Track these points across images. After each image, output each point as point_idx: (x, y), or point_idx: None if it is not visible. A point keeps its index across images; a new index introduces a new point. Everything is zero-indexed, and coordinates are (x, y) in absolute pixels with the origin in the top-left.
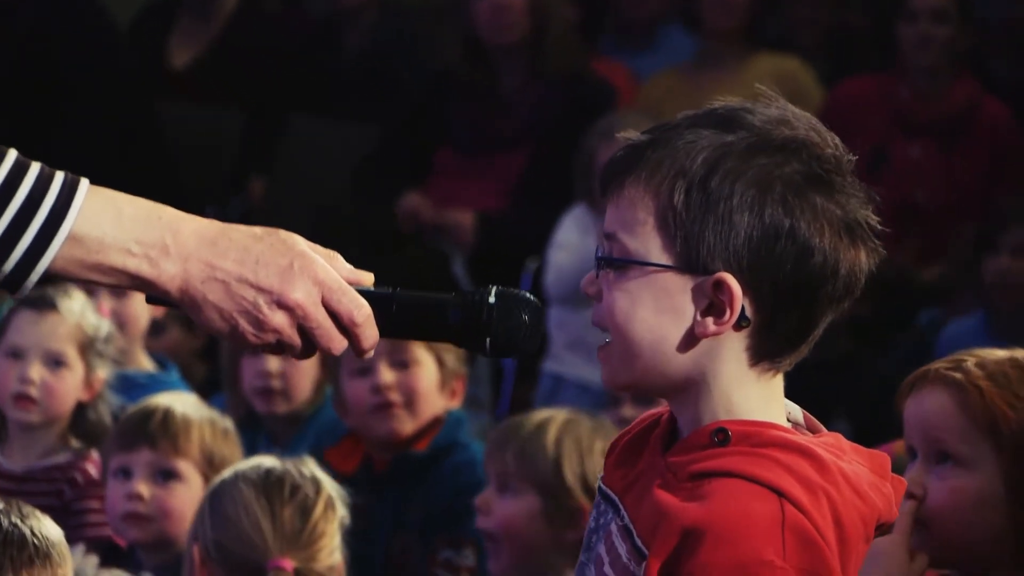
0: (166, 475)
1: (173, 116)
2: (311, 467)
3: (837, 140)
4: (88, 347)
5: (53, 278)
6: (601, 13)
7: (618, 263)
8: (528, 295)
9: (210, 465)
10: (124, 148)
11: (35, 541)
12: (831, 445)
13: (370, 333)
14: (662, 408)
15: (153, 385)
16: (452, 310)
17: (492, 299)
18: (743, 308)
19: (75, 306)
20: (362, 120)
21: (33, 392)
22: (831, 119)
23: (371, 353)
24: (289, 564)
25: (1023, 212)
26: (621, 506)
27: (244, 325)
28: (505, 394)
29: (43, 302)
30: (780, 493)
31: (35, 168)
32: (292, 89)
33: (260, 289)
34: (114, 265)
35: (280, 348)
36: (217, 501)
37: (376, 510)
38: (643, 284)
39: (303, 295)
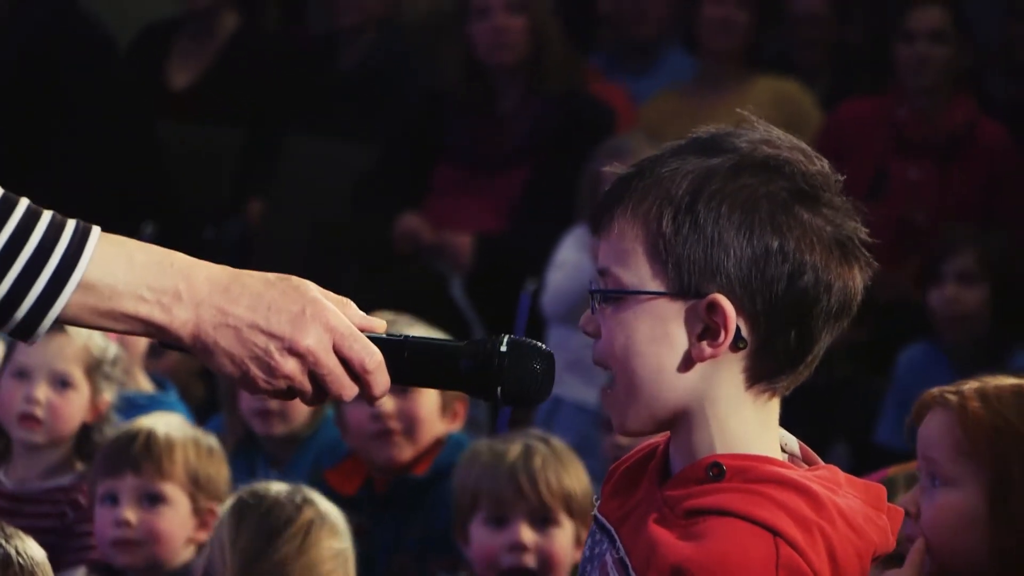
0: (152, 499)
1: (173, 136)
2: (305, 494)
3: (824, 160)
4: (95, 369)
5: (66, 324)
6: (591, 33)
7: (611, 295)
8: (539, 344)
9: (196, 485)
10: (120, 166)
11: (20, 560)
12: (826, 479)
13: (381, 380)
14: (660, 437)
15: (152, 406)
16: (463, 359)
17: (504, 348)
18: (738, 329)
19: (83, 328)
20: (360, 139)
21: (39, 412)
22: (830, 141)
23: (383, 401)
24: None
25: (967, 240)
26: (617, 537)
27: (255, 371)
28: (503, 415)
29: None
30: (775, 532)
31: (47, 216)
32: (290, 108)
33: (272, 335)
34: (126, 312)
35: (292, 394)
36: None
37: (376, 531)
38: (638, 314)
39: (314, 342)
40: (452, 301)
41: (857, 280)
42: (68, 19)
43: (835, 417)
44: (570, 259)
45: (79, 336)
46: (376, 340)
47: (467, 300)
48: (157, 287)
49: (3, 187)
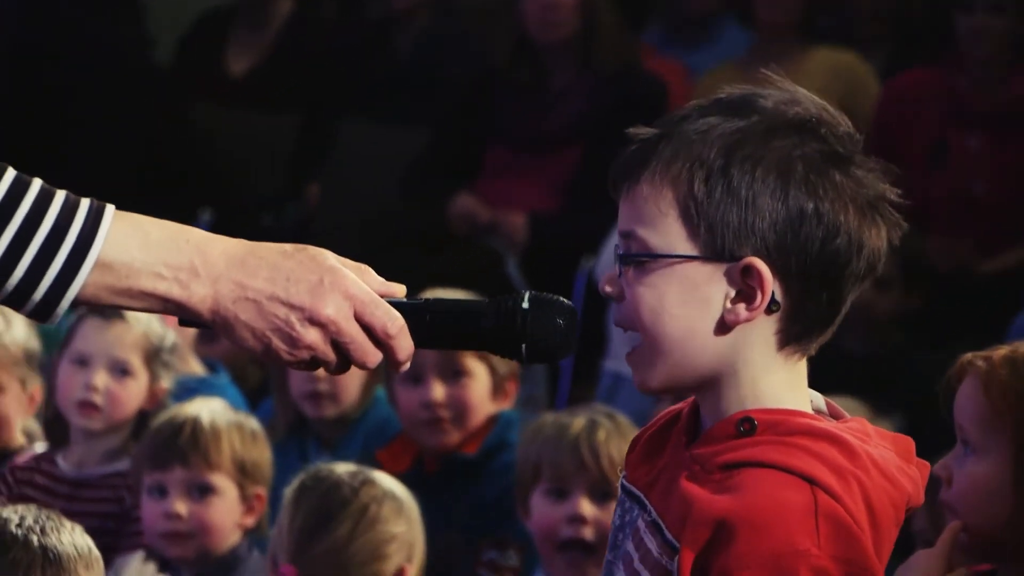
0: (202, 490)
1: (230, 123)
2: (366, 476)
3: (848, 120)
4: (153, 356)
5: (84, 304)
6: (646, 8)
7: (642, 258)
8: (562, 299)
9: (242, 472)
10: (176, 154)
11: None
12: (856, 430)
13: (405, 344)
14: (683, 403)
15: (203, 389)
16: (486, 318)
17: (525, 304)
18: (773, 292)
19: (141, 315)
20: (415, 122)
21: (97, 399)
22: (888, 111)
23: (407, 365)
24: (291, 571)
25: None
26: (647, 502)
27: (277, 343)
28: (562, 393)
29: (110, 310)
30: (812, 481)
31: (60, 196)
32: (346, 93)
33: (292, 306)
34: (144, 289)
35: (315, 364)
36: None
37: (425, 510)
38: (668, 277)
39: (335, 310)
40: (508, 280)
41: (884, 240)
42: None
43: (889, 388)
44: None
45: (138, 323)
46: (397, 305)
47: (523, 279)
48: (174, 263)
49: (61, 177)
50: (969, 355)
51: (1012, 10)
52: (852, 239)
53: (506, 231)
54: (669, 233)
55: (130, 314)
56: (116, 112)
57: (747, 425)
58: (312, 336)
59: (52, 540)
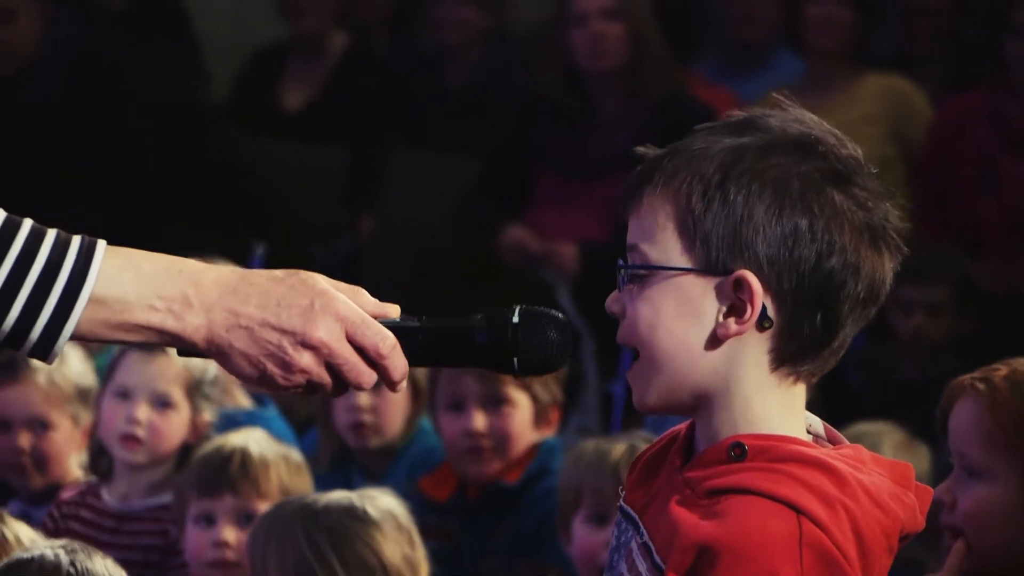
0: (250, 519)
1: (286, 157)
2: (379, 502)
3: (856, 146)
4: (195, 389)
5: (81, 341)
6: (697, 35)
7: (639, 271)
8: (554, 312)
9: None
10: (231, 188)
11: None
12: (850, 457)
13: (398, 363)
14: (682, 425)
15: (251, 422)
16: (478, 334)
17: (516, 319)
18: (764, 308)
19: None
20: (467, 152)
21: (140, 432)
22: (940, 136)
23: (403, 385)
24: None
25: None
26: (640, 523)
27: (272, 368)
28: (615, 422)
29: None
30: (797, 509)
31: (51, 235)
32: (398, 124)
33: (284, 331)
34: (138, 322)
35: (312, 388)
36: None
37: (466, 537)
38: (664, 290)
39: (326, 333)
40: (560, 310)
41: (887, 266)
42: (176, 46)
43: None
44: None
45: (178, 357)
46: (390, 325)
47: (575, 309)
48: (167, 295)
49: (116, 214)
50: (964, 378)
51: None
52: (848, 260)
53: (557, 262)
54: (667, 246)
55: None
56: (173, 148)
57: (738, 450)
58: (306, 360)
59: (84, 568)
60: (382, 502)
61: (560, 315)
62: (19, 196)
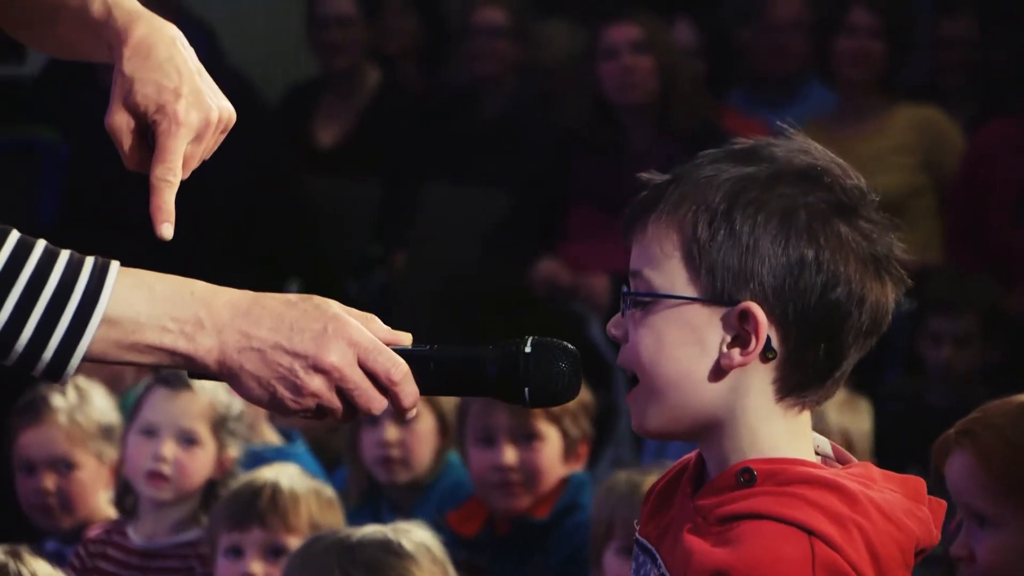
0: (277, 552)
1: (320, 193)
2: (414, 536)
3: (861, 177)
4: (220, 425)
5: (93, 362)
6: (730, 68)
7: (644, 298)
8: (566, 344)
9: None
10: (265, 224)
11: None
12: (860, 475)
13: (409, 391)
14: (692, 454)
15: (279, 458)
16: (490, 364)
17: (528, 349)
18: (769, 339)
19: (208, 384)
20: (498, 185)
21: (166, 470)
22: (973, 165)
23: (414, 412)
24: None
25: None
26: (657, 555)
27: (282, 391)
28: (648, 454)
29: (177, 380)
30: (809, 531)
31: (64, 255)
32: (433, 159)
33: (296, 354)
34: (151, 343)
35: (321, 413)
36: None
37: (496, 572)
38: (669, 318)
39: (338, 357)
40: (592, 343)
41: (890, 297)
42: (217, 75)
43: None
44: None
45: (204, 393)
46: (401, 352)
47: (606, 341)
48: (179, 316)
49: (147, 245)
50: (949, 433)
51: None
52: (853, 291)
53: (588, 294)
54: (672, 275)
55: (196, 383)
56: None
57: (747, 476)
58: (316, 384)
59: None
60: (416, 535)
61: (572, 347)
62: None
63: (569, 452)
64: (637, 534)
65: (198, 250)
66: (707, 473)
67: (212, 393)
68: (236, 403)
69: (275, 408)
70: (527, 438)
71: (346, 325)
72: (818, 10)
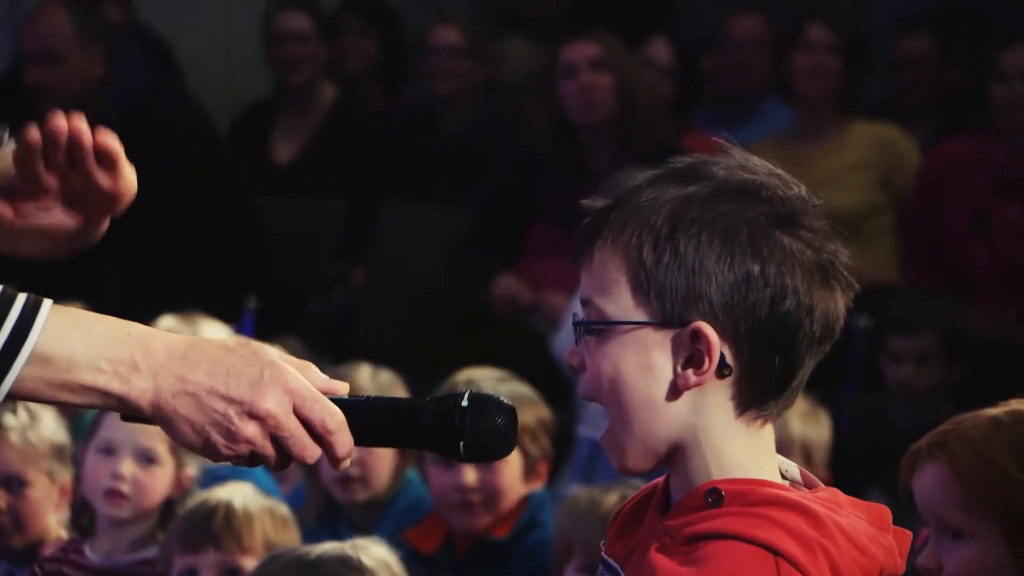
0: (232, 573)
1: (277, 210)
2: (373, 552)
3: (801, 185)
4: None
5: (23, 400)
6: (698, 89)
7: (595, 326)
8: (502, 399)
9: None
10: (223, 243)
11: None
12: (827, 500)
13: (344, 440)
14: (661, 478)
15: (237, 477)
16: (426, 416)
17: (465, 403)
18: (723, 356)
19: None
20: (458, 204)
21: (124, 488)
22: (931, 181)
23: (347, 462)
24: None
25: None
26: (622, 573)
27: (216, 437)
28: (600, 471)
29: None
30: (775, 551)
31: None
32: (390, 176)
33: (231, 400)
34: (84, 383)
35: (255, 460)
36: None
37: None
38: (623, 344)
39: (274, 404)
40: (551, 360)
41: (839, 303)
42: (169, 95)
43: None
44: (575, 302)
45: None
46: (338, 402)
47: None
48: (114, 357)
49: (106, 264)
50: (920, 444)
51: None
52: (802, 301)
53: (548, 311)
54: (622, 301)
55: None
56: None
57: (714, 496)
58: (251, 430)
59: None
60: (375, 552)
61: (508, 403)
62: None
63: (529, 471)
64: (603, 553)
65: (158, 269)
66: (673, 496)
67: None
68: None
69: (208, 454)
70: (487, 463)
71: (283, 372)
72: (777, 28)
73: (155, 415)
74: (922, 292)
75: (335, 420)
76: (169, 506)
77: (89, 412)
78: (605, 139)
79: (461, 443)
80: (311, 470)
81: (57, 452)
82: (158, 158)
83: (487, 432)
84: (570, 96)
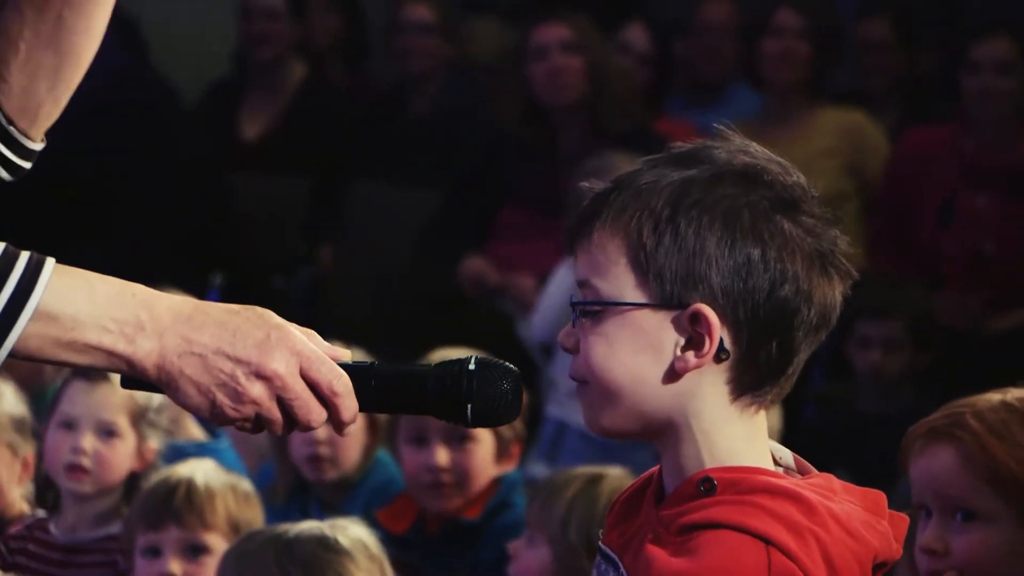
0: (195, 550)
1: (245, 187)
2: (350, 532)
3: (800, 174)
4: (140, 417)
5: (29, 359)
6: (672, 74)
7: (593, 307)
8: (507, 364)
9: (236, 533)
10: (190, 218)
11: None
12: (820, 486)
13: (350, 404)
14: (657, 467)
15: (202, 454)
16: (432, 381)
17: (472, 367)
18: (721, 340)
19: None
20: (427, 185)
21: (86, 463)
22: (899, 170)
23: (351, 427)
24: None
25: None
26: (620, 564)
27: (222, 398)
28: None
29: (96, 372)
30: (767, 540)
31: None
32: (358, 156)
33: (238, 360)
34: (89, 342)
35: (259, 424)
36: (241, 565)
37: (426, 570)
38: (619, 325)
39: (281, 365)
40: (519, 342)
41: (836, 292)
42: (136, 72)
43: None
44: (555, 283)
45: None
46: (343, 367)
47: (534, 340)
48: (120, 317)
49: (72, 240)
50: (933, 422)
51: (1019, 71)
52: (801, 287)
53: (516, 293)
54: (620, 282)
55: (115, 376)
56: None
57: (707, 485)
58: (257, 391)
59: None
60: (353, 532)
61: (514, 368)
62: None
63: (502, 452)
64: (600, 542)
65: (124, 245)
66: (665, 483)
67: None
68: (156, 395)
69: (214, 417)
70: (460, 439)
71: (289, 335)
72: (746, 14)
73: (160, 377)
74: (890, 279)
75: (342, 383)
76: (133, 480)
77: (51, 386)
78: (575, 122)
79: (468, 407)
80: (281, 449)
81: (18, 425)
82: (126, 136)
83: (494, 397)
84: (541, 78)
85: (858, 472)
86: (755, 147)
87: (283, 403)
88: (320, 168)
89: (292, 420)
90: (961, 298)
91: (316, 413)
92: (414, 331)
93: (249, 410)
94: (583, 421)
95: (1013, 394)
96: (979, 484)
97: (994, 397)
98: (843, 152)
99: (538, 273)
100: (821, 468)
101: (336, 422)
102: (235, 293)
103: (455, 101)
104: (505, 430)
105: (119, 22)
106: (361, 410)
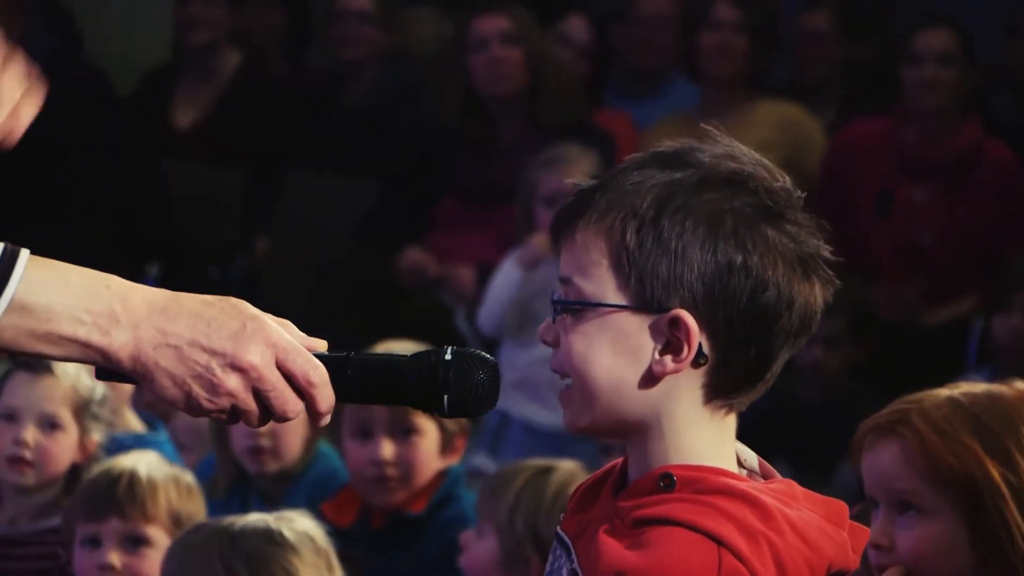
0: (136, 542)
1: (179, 176)
2: (296, 525)
3: (786, 177)
4: (83, 409)
5: (3, 350)
6: (611, 65)
7: (574, 306)
8: (484, 354)
9: (177, 525)
10: (124, 208)
11: None
12: (780, 492)
13: (326, 395)
14: (620, 459)
15: (140, 446)
16: (408, 371)
17: (448, 356)
18: (700, 345)
19: (70, 368)
20: (365, 175)
21: (27, 455)
22: (836, 162)
23: (327, 418)
24: None
25: None
26: (573, 550)
27: (197, 390)
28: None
29: (39, 364)
30: (719, 541)
31: None
32: (295, 145)
33: (213, 352)
34: (64, 334)
35: (235, 415)
36: (185, 558)
37: (369, 565)
38: (600, 326)
39: (257, 356)
40: (457, 333)
41: (818, 297)
42: (70, 60)
43: (838, 438)
44: (503, 273)
45: (66, 377)
46: (319, 357)
47: (472, 331)
48: (95, 309)
49: (6, 231)
50: (875, 420)
51: (959, 62)
52: (781, 294)
53: (455, 284)
54: (602, 282)
55: (58, 367)
56: (66, 166)
57: (666, 480)
58: (233, 382)
59: None
60: (299, 524)
61: (491, 358)
62: None
63: (446, 446)
64: (558, 528)
65: (59, 234)
66: (629, 475)
67: (74, 377)
68: (99, 387)
69: (189, 408)
70: (405, 432)
71: (265, 325)
72: (684, 5)
73: (135, 368)
74: None
75: (318, 374)
76: (75, 473)
77: None
78: (514, 113)
79: (445, 397)
80: (222, 440)
81: None
82: (59, 124)
83: (470, 387)
84: (480, 69)
85: (797, 460)
86: (742, 150)
87: (259, 394)
88: (256, 157)
89: (268, 411)
90: (898, 291)
91: (292, 404)
92: (352, 322)
93: (225, 402)
94: (563, 422)
95: (961, 390)
96: (921, 481)
97: (942, 393)
98: (780, 145)
99: (477, 264)
100: (763, 457)
101: (313, 413)
102: (171, 284)
103: (392, 90)
104: (449, 423)
105: (52, 9)
106: (337, 400)
